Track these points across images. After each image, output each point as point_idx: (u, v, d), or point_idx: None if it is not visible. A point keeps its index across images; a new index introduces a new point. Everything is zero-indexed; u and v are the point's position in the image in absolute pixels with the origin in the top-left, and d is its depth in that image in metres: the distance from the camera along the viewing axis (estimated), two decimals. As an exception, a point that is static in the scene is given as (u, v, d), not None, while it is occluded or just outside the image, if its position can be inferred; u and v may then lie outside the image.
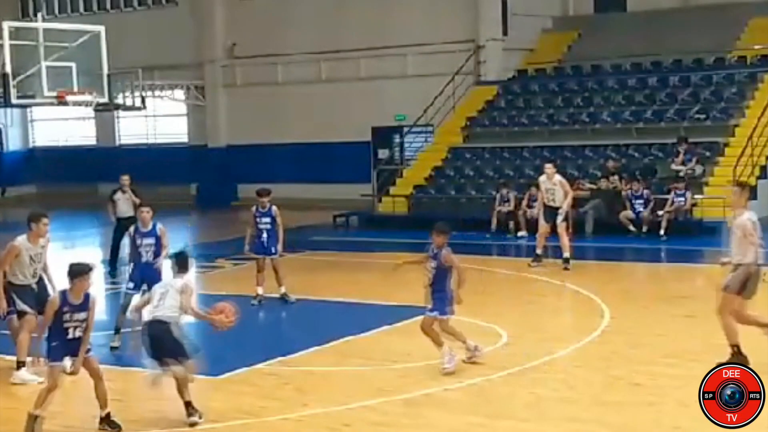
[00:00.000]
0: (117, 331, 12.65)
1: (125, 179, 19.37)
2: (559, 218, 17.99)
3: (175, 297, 9.37)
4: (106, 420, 9.14)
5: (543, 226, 18.29)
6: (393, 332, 12.90)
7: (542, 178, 18.38)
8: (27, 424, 8.99)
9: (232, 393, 10.32)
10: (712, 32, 27.58)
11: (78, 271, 9.08)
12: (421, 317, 13.82)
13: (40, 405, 9.04)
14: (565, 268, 17.72)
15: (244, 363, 11.19)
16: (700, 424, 7.47)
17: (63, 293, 9.10)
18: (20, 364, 11.14)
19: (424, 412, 9.55)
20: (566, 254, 17.91)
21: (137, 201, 19.32)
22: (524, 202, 22.69)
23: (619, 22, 30.06)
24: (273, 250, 15.27)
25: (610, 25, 30.07)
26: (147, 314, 9.69)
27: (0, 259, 11.28)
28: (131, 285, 12.77)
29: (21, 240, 11.23)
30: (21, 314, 11.31)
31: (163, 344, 9.27)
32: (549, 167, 18.41)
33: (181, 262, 9.85)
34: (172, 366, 9.23)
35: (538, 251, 18.28)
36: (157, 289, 9.65)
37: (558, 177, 18.16)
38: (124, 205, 19.15)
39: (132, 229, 12.87)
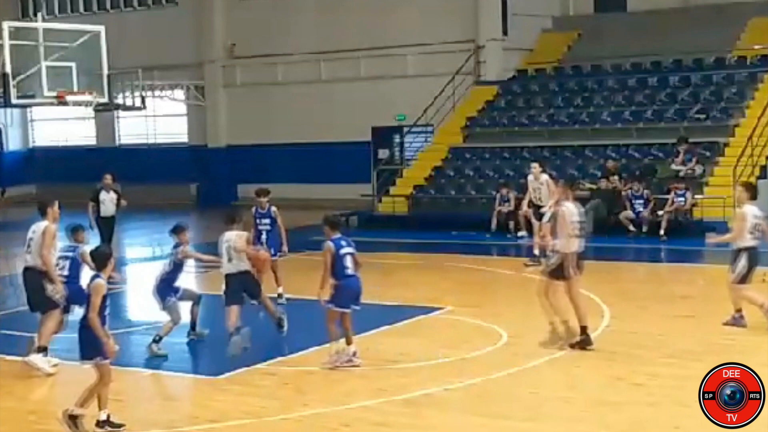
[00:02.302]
0: (159, 339, 12.13)
1: (108, 178, 19.30)
2: (545, 218, 17.95)
3: None
4: (107, 422, 9.04)
5: (537, 225, 18.30)
6: (392, 332, 12.90)
7: (530, 178, 18.50)
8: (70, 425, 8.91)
9: (232, 393, 10.31)
10: (712, 32, 27.54)
11: (109, 253, 9.20)
12: (421, 317, 13.92)
13: (81, 404, 8.91)
14: (526, 265, 17.85)
15: (244, 363, 11.17)
16: (700, 424, 7.46)
17: (100, 277, 8.94)
18: (41, 349, 11.00)
19: (424, 412, 9.54)
20: (536, 251, 17.86)
21: (125, 202, 19.33)
22: (525, 200, 22.67)
23: (619, 22, 30.01)
24: (272, 252, 15.22)
25: (610, 25, 30.02)
26: (233, 265, 11.84)
27: (44, 242, 10.92)
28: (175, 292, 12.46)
29: (51, 223, 11.01)
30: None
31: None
32: (535, 166, 18.52)
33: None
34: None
35: (535, 251, 18.25)
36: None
37: (544, 176, 18.19)
38: (110, 204, 19.10)
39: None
